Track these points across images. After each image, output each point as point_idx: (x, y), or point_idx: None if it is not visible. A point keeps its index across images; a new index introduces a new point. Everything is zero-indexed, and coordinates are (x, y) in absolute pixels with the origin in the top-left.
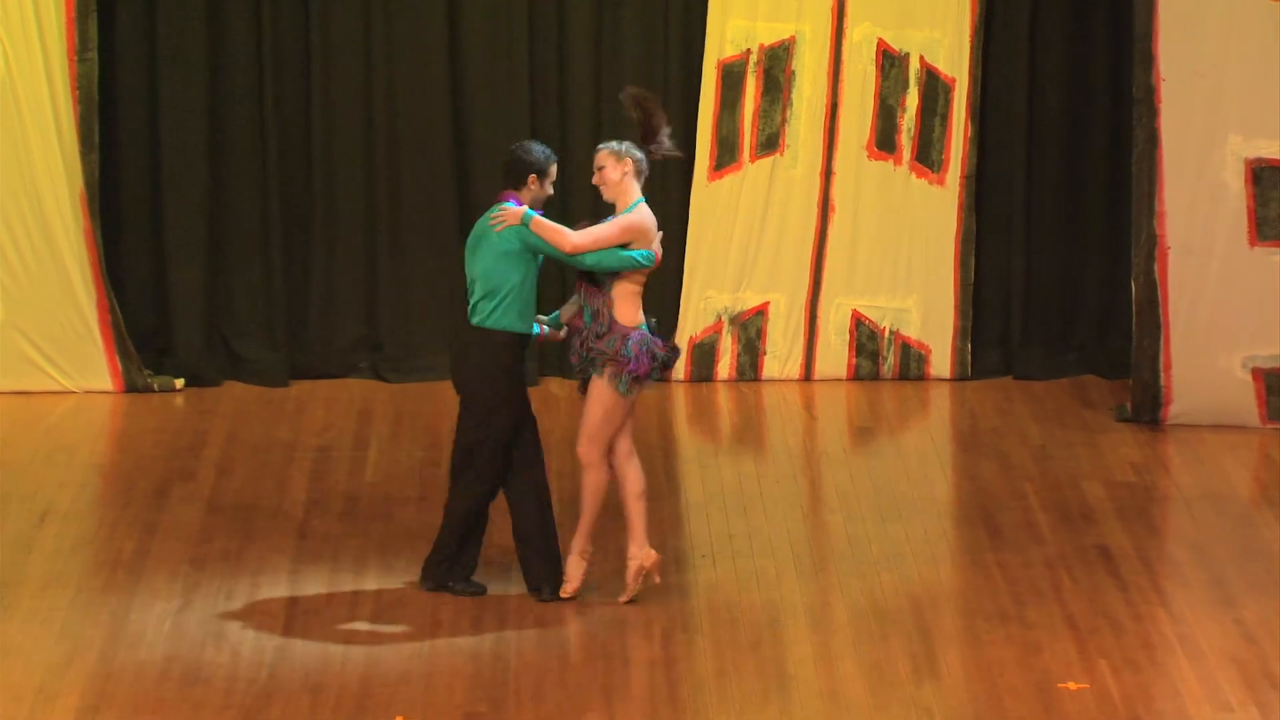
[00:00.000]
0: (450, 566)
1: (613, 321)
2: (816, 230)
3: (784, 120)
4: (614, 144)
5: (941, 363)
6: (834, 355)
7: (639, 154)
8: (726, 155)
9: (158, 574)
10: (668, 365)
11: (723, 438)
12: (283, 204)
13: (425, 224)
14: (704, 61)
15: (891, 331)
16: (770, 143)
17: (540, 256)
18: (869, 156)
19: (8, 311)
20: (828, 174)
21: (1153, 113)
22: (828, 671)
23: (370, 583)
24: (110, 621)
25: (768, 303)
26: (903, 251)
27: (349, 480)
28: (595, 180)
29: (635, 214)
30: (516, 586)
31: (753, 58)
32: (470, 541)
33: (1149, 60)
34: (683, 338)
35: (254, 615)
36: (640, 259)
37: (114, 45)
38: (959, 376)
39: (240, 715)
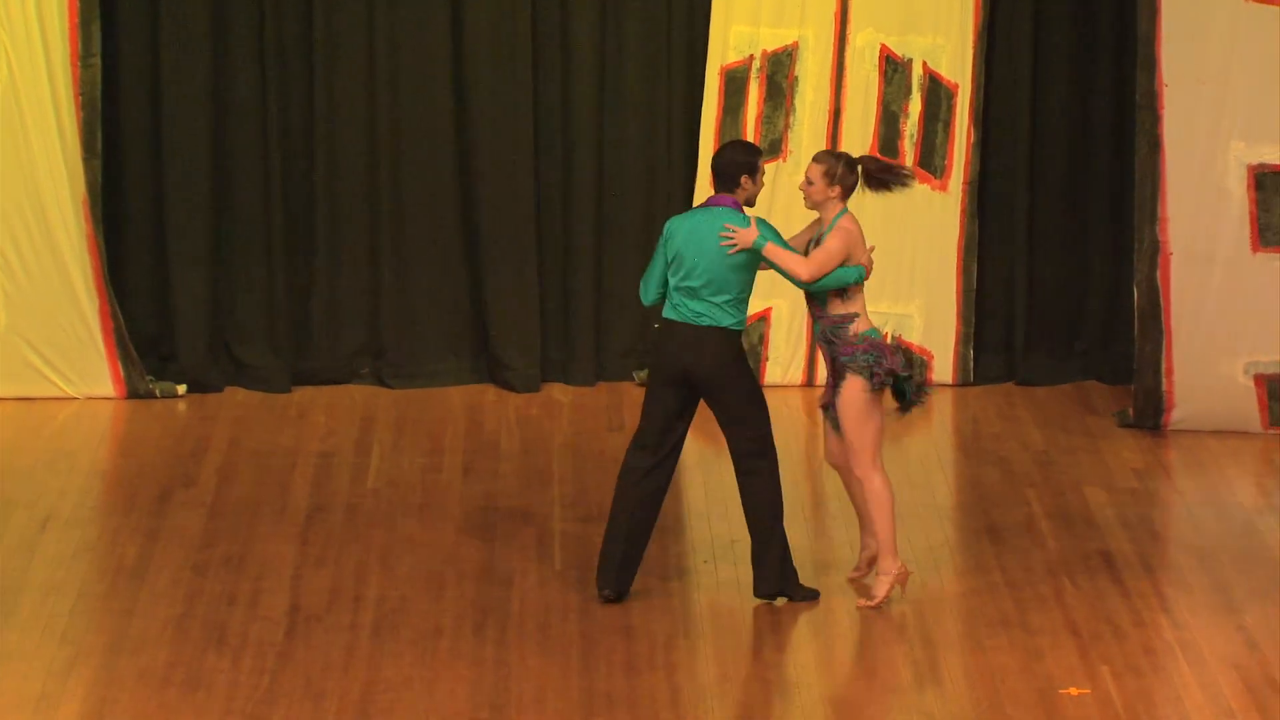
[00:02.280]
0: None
1: (852, 332)
2: None
3: (787, 126)
4: (830, 162)
5: (944, 368)
6: None
7: (851, 180)
8: None
9: (160, 580)
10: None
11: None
12: (286, 210)
13: (428, 230)
14: (707, 67)
15: (894, 337)
16: (773, 148)
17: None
18: None
19: (10, 317)
20: None
21: (1155, 118)
22: (829, 677)
23: (372, 589)
24: (112, 628)
25: (770, 309)
26: (905, 257)
27: (351, 487)
28: (800, 186)
29: (844, 225)
30: (519, 595)
31: (755, 63)
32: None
33: (1151, 66)
34: None
35: (256, 621)
36: (852, 278)
37: (117, 51)
38: (961, 382)
39: None
